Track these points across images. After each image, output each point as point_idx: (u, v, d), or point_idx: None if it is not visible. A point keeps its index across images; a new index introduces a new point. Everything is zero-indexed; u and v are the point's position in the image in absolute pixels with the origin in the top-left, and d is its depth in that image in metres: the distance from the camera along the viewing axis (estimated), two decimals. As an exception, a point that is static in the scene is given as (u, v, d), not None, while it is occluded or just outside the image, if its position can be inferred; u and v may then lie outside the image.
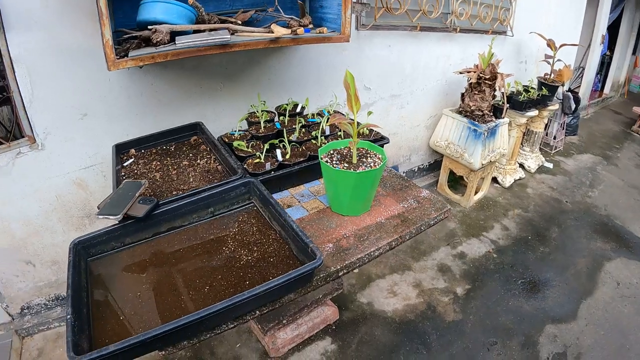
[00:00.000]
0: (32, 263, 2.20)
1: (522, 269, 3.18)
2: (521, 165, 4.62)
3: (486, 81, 3.18)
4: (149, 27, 1.60)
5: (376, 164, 1.62)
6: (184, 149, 2.01)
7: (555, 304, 2.89)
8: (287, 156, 1.88)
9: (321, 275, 1.39)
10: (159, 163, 1.86)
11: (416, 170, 4.00)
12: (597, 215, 4.00)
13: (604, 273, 3.24)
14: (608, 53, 7.85)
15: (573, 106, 4.87)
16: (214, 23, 1.83)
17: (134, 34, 1.67)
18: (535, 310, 2.84)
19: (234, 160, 1.72)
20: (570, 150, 5.48)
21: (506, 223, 3.69)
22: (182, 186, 1.68)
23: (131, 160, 1.91)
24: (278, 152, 1.88)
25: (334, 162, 1.63)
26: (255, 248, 1.40)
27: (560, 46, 4.13)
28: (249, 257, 1.36)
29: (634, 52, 8.51)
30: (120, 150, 1.94)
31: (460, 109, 3.47)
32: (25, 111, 1.88)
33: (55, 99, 1.92)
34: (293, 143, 1.96)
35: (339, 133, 2.10)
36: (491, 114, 3.40)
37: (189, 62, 2.16)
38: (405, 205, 1.78)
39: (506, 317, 2.74)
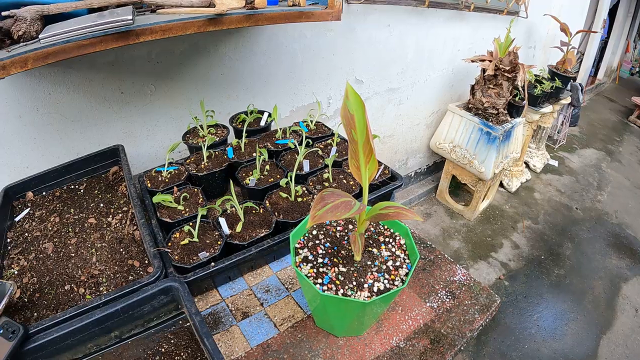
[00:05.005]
0: None
1: (537, 300, 2.71)
2: (526, 164, 4.11)
3: (505, 73, 2.58)
4: (2, 12, 0.92)
5: (398, 265, 0.97)
6: (97, 190, 1.36)
7: (575, 342, 2.52)
8: (239, 228, 1.18)
9: None
10: (57, 219, 1.24)
11: (413, 175, 3.41)
12: (609, 224, 3.63)
13: (622, 298, 2.92)
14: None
15: (581, 98, 4.37)
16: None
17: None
18: (553, 353, 2.43)
19: (150, 236, 1.07)
20: (573, 144, 5.04)
21: (516, 239, 3.18)
22: (78, 273, 1.05)
23: (26, 212, 1.27)
24: (223, 222, 1.18)
25: (318, 260, 0.98)
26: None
27: (577, 32, 3.56)
28: None
29: (627, 37, 8.11)
30: (14, 194, 1.32)
31: (470, 105, 2.86)
32: None
33: None
34: (247, 202, 1.25)
35: (325, 174, 1.42)
36: (506, 112, 2.82)
37: (101, 58, 1.46)
38: (435, 305, 1.14)
39: (523, 367, 2.30)
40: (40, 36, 0.87)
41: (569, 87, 3.98)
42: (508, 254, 3.02)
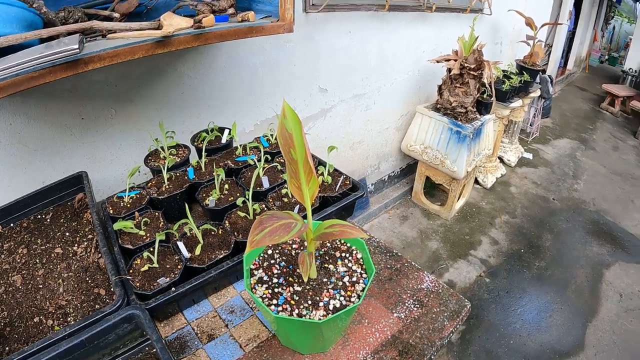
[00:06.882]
0: None
1: (519, 294, 2.71)
2: (500, 159, 4.14)
3: (470, 71, 2.60)
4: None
5: (355, 280, 0.95)
6: (63, 219, 1.34)
7: (561, 333, 2.52)
8: (198, 251, 1.16)
9: None
10: (25, 250, 1.22)
11: (386, 179, 3.41)
12: (587, 212, 3.66)
13: (605, 285, 2.94)
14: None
15: (551, 89, 4.44)
16: (75, 22, 1.10)
17: None
18: (540, 346, 2.42)
19: (112, 264, 1.04)
20: (546, 135, 5.11)
21: (495, 235, 3.19)
22: (47, 304, 1.04)
23: (-7, 245, 1.24)
24: (181, 246, 1.16)
25: (273, 281, 0.95)
26: None
27: (542, 25, 3.63)
28: None
29: (594, 27, 8.32)
30: (-18, 227, 1.29)
31: (438, 106, 2.87)
32: None
33: None
34: (205, 224, 1.23)
35: (284, 189, 1.39)
36: (474, 109, 2.83)
37: (59, 86, 1.43)
38: (402, 315, 1.13)
39: (510, 363, 2.29)
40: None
41: (538, 80, 4.04)
42: (487, 251, 3.02)
